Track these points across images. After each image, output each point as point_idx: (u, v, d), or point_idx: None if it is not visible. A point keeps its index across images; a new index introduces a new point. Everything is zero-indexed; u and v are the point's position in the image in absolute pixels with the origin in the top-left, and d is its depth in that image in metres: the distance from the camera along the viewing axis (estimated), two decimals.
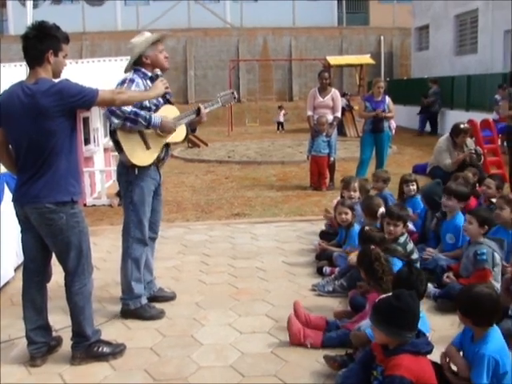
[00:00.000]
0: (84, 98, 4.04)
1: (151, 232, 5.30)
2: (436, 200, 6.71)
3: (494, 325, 3.65)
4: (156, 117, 4.87)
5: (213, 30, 35.24)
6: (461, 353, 3.74)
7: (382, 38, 35.83)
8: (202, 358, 4.41)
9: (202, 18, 34.88)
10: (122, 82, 4.89)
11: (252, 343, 4.64)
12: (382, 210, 6.28)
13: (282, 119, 26.42)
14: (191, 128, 5.47)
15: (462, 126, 9.10)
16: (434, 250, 6.25)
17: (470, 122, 12.23)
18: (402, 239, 5.66)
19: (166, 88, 4.88)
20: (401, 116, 23.35)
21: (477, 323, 3.61)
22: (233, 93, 5.52)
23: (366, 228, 5.62)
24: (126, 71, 5.10)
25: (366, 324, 4.12)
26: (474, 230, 5.41)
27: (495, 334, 3.63)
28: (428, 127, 22.06)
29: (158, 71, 5.10)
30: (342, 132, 20.32)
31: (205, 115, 5.33)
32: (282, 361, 4.34)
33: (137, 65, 5.07)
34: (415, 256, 5.74)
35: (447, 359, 3.75)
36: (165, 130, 4.96)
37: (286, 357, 4.39)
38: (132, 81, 4.89)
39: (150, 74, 5.06)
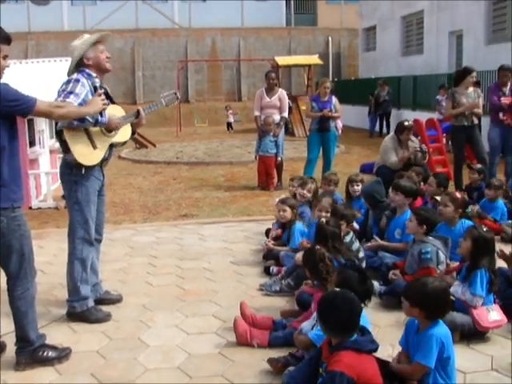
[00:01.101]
0: (20, 106, 3.97)
1: (96, 234, 5.25)
2: (376, 198, 6.83)
3: None
4: (103, 114, 4.85)
5: (161, 30, 35.06)
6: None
7: (330, 38, 36.21)
8: (149, 360, 4.38)
9: (149, 19, 34.63)
10: (68, 82, 4.83)
11: (199, 344, 4.63)
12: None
13: (231, 120, 26.47)
14: (131, 130, 5.44)
15: (405, 123, 9.28)
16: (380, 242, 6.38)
17: (416, 121, 12.46)
18: (347, 238, 5.72)
19: (104, 104, 4.84)
20: (349, 116, 23.67)
21: (428, 315, 3.66)
22: (175, 93, 5.55)
23: (322, 220, 5.66)
24: (69, 74, 5.03)
25: (307, 327, 4.17)
26: (414, 227, 5.53)
27: (439, 321, 3.72)
28: (377, 127, 22.21)
29: (98, 82, 5.05)
30: (289, 132, 20.41)
31: (143, 118, 5.34)
32: (229, 361, 4.34)
33: (80, 66, 5.01)
34: (361, 255, 5.81)
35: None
36: (111, 127, 4.96)
37: (233, 357, 4.39)
38: (77, 81, 4.83)
39: (94, 74, 5.01)
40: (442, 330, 3.68)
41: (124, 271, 6.56)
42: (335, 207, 6.15)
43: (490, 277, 4.71)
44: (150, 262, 6.86)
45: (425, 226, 5.48)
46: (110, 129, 5.00)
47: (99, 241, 5.41)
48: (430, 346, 3.58)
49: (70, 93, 4.72)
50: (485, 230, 5.00)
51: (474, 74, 10.10)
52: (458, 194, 6.52)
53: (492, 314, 4.69)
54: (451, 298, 3.88)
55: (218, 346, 4.60)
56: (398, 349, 3.95)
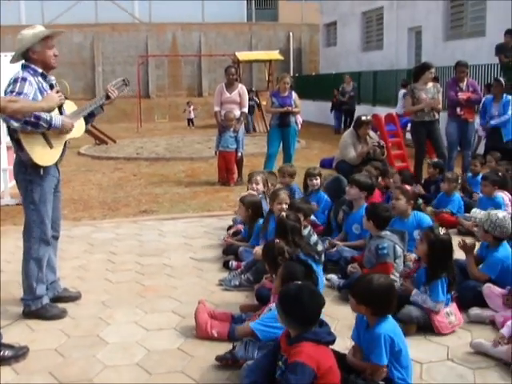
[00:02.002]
0: None
1: (52, 231, 5.19)
2: (338, 193, 6.89)
3: None
4: (57, 118, 4.78)
5: (121, 25, 34.71)
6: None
7: (291, 34, 36.27)
8: (108, 358, 4.35)
9: (109, 13, 34.26)
10: (15, 82, 4.73)
11: (158, 340, 4.62)
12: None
13: (192, 115, 26.38)
14: (94, 113, 5.35)
15: (363, 118, 9.37)
16: (338, 242, 6.43)
17: (375, 116, 12.58)
18: (305, 232, 5.75)
19: (62, 100, 4.78)
20: (310, 111, 23.80)
21: (375, 312, 3.70)
22: (124, 80, 5.45)
23: (282, 214, 5.68)
24: (12, 62, 4.95)
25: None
26: (366, 224, 5.60)
27: (387, 317, 3.75)
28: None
29: (53, 80, 4.98)
30: (249, 128, 20.40)
31: (115, 93, 5.25)
32: (189, 356, 4.34)
33: (25, 59, 4.91)
34: (320, 248, 5.85)
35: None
36: (66, 129, 4.89)
37: (193, 352, 4.40)
38: (24, 79, 4.74)
39: (40, 70, 4.91)
40: (389, 326, 3.70)
41: (83, 268, 6.51)
42: (292, 201, 6.18)
43: (449, 280, 4.77)
44: (110, 259, 6.81)
45: (372, 221, 5.54)
46: (64, 132, 4.93)
47: (56, 237, 5.35)
48: (380, 346, 3.61)
49: (19, 94, 4.62)
50: (442, 231, 4.95)
51: (433, 69, 10.23)
52: (408, 187, 6.63)
53: (451, 318, 4.77)
54: (397, 294, 3.90)
55: (177, 341, 4.60)
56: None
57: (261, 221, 6.56)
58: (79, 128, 5.16)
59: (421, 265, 5.07)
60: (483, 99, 12.08)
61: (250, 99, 14.05)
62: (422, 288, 4.84)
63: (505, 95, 10.79)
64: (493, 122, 10.61)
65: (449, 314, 4.76)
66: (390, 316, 3.77)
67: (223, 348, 4.30)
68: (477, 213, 5.71)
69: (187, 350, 4.45)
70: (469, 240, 5.68)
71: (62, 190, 5.50)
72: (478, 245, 5.75)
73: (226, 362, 4.12)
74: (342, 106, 21.46)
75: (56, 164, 5.08)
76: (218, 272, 6.22)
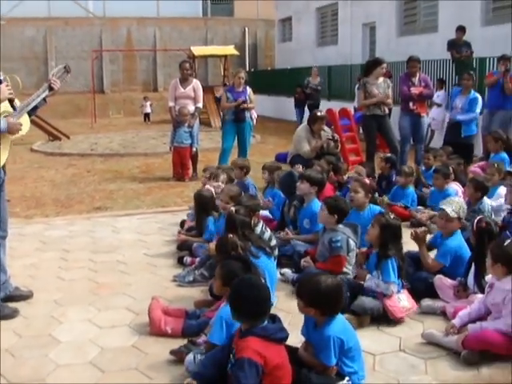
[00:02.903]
0: None
1: (0, 231, 5.10)
2: (290, 189, 6.92)
3: None
4: (2, 121, 4.69)
5: (74, 19, 34.19)
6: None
7: (246, 29, 36.30)
8: (60, 357, 4.29)
9: (63, 7, 33.68)
10: None
11: (112, 338, 4.58)
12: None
13: (149, 110, 26.22)
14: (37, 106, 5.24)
15: (318, 113, 9.42)
16: (291, 233, 6.45)
17: (329, 110, 12.69)
18: (258, 229, 5.72)
19: (11, 94, 4.69)
20: (265, 106, 23.83)
21: (324, 313, 3.70)
22: (65, 67, 5.35)
23: (232, 209, 5.67)
24: None
25: None
26: (325, 217, 5.62)
27: (336, 316, 3.76)
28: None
29: (2, 75, 4.88)
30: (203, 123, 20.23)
31: (57, 83, 5.15)
32: (143, 353, 4.32)
33: None
34: (273, 243, 5.84)
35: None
36: (14, 130, 4.81)
37: (147, 349, 4.37)
38: None
39: None
40: (338, 326, 3.71)
41: (35, 266, 6.40)
42: (239, 198, 6.14)
43: (399, 263, 4.87)
44: (62, 257, 6.71)
45: (336, 216, 5.58)
46: (14, 133, 4.85)
47: (4, 237, 5.24)
48: (329, 348, 3.61)
49: None
50: (392, 217, 5.16)
51: (384, 64, 10.32)
52: (367, 180, 6.69)
53: (403, 302, 4.85)
54: (345, 292, 3.94)
55: (131, 338, 4.56)
56: None
57: (210, 217, 6.57)
58: (25, 124, 5.06)
59: (372, 251, 5.17)
60: (439, 93, 12.32)
61: None
62: (374, 273, 4.94)
63: (473, 91, 10.84)
64: (460, 117, 10.57)
65: (400, 298, 4.85)
66: (338, 315, 3.78)
67: (177, 344, 4.28)
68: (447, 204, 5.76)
69: (141, 346, 4.42)
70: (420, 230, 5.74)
71: (14, 187, 5.39)
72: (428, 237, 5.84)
73: (181, 356, 4.10)
74: (307, 101, 19.74)
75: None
76: (173, 268, 6.19)
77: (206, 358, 3.81)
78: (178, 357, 4.12)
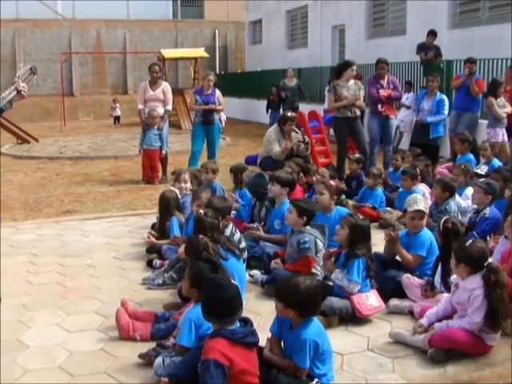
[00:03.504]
0: None
1: None
2: (260, 190, 6.94)
3: None
4: None
5: (43, 21, 33.81)
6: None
7: (216, 31, 36.26)
8: (29, 361, 4.27)
9: (31, 9, 33.35)
10: None
11: (81, 342, 4.56)
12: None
13: (119, 113, 26.09)
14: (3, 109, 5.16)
15: (288, 114, 9.46)
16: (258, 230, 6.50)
17: (299, 112, 12.73)
18: (227, 231, 5.72)
19: None
20: (235, 108, 23.85)
21: (303, 315, 3.72)
22: (31, 68, 5.26)
23: (200, 211, 5.67)
24: None
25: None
26: (293, 219, 5.65)
27: (312, 319, 3.79)
28: None
29: None
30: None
31: (26, 89, 5.08)
32: (112, 357, 4.31)
33: None
34: (243, 245, 5.86)
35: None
36: None
37: (116, 352, 4.36)
38: None
39: None
40: (314, 329, 3.74)
41: (3, 271, 6.30)
42: (210, 201, 6.11)
43: (367, 263, 4.92)
44: (31, 261, 6.65)
45: (305, 217, 5.62)
46: None
47: None
48: (304, 351, 3.64)
49: None
50: (361, 217, 5.25)
51: (354, 67, 10.36)
52: (332, 182, 6.74)
53: (371, 300, 4.91)
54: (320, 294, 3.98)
55: (99, 342, 4.55)
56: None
57: (174, 218, 6.60)
58: None
59: (341, 251, 5.21)
60: (407, 95, 12.43)
61: None
62: (341, 271, 5.00)
63: (438, 93, 10.93)
64: (429, 119, 10.63)
65: (368, 296, 4.91)
66: (315, 318, 3.81)
67: (146, 347, 4.28)
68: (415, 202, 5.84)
69: (110, 350, 4.41)
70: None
71: None
72: None
73: (150, 359, 4.09)
74: (282, 104, 18.29)
75: None
76: (142, 271, 6.18)
77: (182, 359, 3.80)
78: (147, 360, 4.12)
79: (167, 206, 6.79)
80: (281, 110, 17.50)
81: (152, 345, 4.29)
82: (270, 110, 19.03)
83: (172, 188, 7.41)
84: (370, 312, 4.87)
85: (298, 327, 3.73)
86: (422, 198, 5.93)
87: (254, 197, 7.22)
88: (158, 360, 3.96)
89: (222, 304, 3.54)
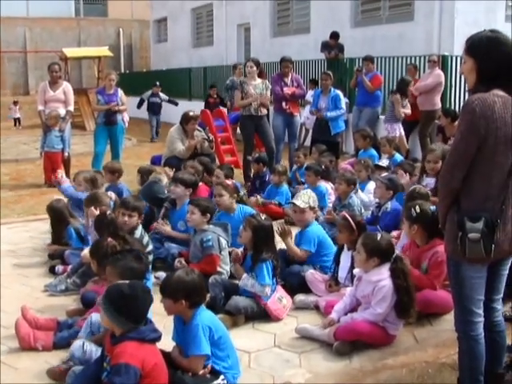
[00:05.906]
0: None
1: None
2: (157, 197, 6.93)
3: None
4: None
5: None
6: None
7: (121, 30, 35.79)
8: None
9: None
10: None
11: None
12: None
13: (18, 115, 25.29)
14: None
15: (190, 113, 9.44)
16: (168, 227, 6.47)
17: (203, 111, 12.73)
18: (137, 233, 5.69)
19: None
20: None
21: (191, 305, 3.73)
22: None
23: (109, 213, 5.58)
24: None
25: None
26: (197, 218, 5.65)
27: (201, 309, 3.82)
28: None
29: None
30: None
31: None
32: (12, 368, 4.18)
33: None
34: (150, 248, 5.80)
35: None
36: None
37: (16, 364, 4.24)
38: None
39: None
40: (205, 316, 3.78)
41: None
42: (124, 200, 6.07)
43: (274, 263, 4.95)
44: None
45: (208, 215, 5.62)
46: None
47: None
48: (198, 336, 3.66)
49: None
50: (263, 217, 5.25)
51: (250, 63, 10.27)
52: (228, 181, 6.76)
53: (284, 301, 4.98)
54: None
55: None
56: None
57: (70, 227, 6.47)
58: None
59: (247, 253, 5.23)
60: (311, 92, 12.59)
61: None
62: (249, 274, 5.00)
63: (332, 89, 11.09)
64: (329, 114, 10.76)
65: (280, 298, 4.98)
66: (204, 307, 3.85)
67: (48, 356, 4.21)
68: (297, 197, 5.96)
69: (10, 362, 4.28)
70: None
71: None
72: None
73: (59, 374, 3.95)
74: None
75: None
76: (44, 278, 5.99)
77: (81, 371, 3.71)
78: (55, 375, 3.98)
79: (60, 216, 6.63)
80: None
81: (55, 353, 4.20)
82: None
83: (56, 196, 7.22)
84: (285, 312, 4.95)
85: (190, 320, 3.75)
86: (308, 193, 6.02)
87: (152, 205, 7.07)
88: (78, 343, 3.92)
89: (145, 308, 3.51)
